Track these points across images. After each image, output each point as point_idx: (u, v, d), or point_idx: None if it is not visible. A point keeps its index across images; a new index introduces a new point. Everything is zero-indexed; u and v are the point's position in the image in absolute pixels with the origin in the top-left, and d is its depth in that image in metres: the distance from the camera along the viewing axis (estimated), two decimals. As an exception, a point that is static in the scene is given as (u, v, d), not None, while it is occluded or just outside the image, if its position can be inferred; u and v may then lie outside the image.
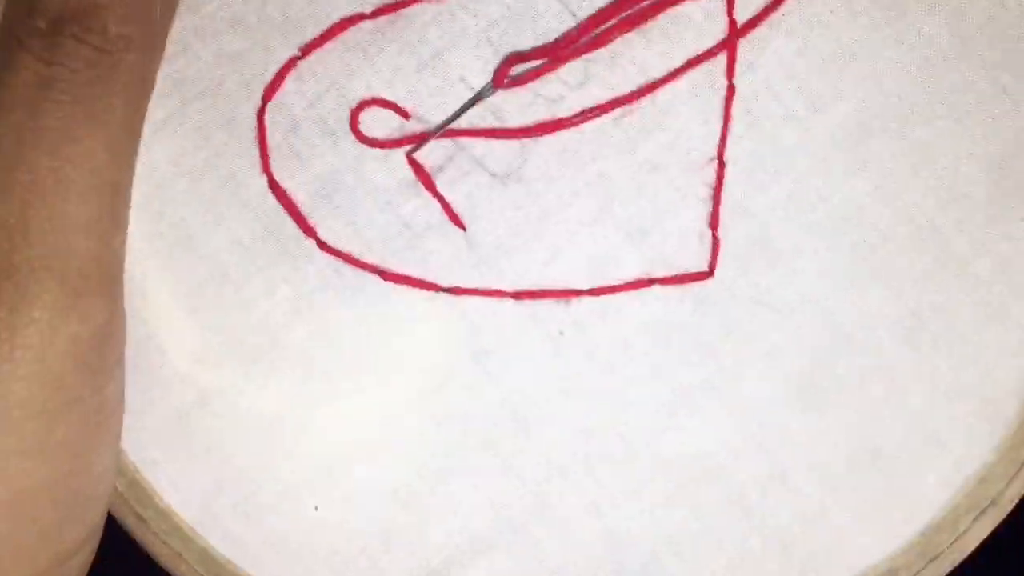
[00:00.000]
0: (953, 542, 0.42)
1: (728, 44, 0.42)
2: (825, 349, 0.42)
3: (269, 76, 0.43)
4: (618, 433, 0.43)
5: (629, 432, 0.43)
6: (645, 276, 0.43)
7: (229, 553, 0.44)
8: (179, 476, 0.44)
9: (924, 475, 0.42)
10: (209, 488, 0.43)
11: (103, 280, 0.40)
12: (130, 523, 0.44)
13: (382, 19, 0.43)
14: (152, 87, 0.42)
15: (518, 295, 0.43)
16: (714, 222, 0.42)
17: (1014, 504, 0.42)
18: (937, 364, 0.42)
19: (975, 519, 0.42)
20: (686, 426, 0.42)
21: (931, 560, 0.42)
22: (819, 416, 0.42)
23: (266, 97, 0.43)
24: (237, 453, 0.43)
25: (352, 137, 0.43)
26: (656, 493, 0.42)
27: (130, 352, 0.44)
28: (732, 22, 0.42)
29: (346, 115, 0.43)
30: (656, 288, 0.43)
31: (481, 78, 0.43)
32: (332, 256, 0.43)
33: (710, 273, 0.43)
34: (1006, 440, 0.42)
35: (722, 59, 0.43)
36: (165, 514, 0.44)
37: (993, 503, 0.42)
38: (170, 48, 0.43)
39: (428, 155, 0.43)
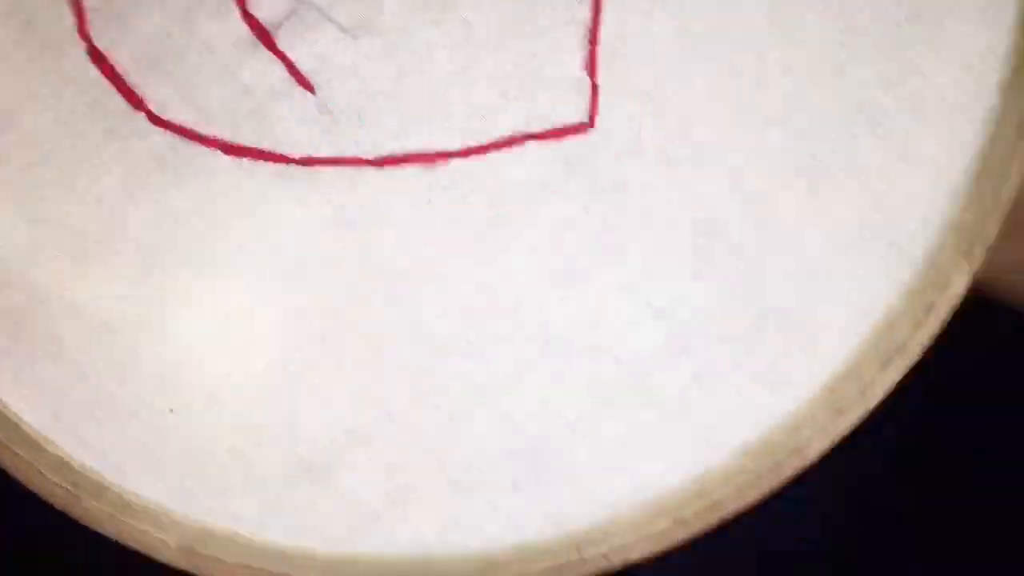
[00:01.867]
0: (859, 393, 0.38)
1: None
2: (720, 204, 0.38)
3: None
4: (500, 309, 0.38)
5: (512, 307, 0.38)
6: (519, 132, 0.37)
7: (86, 460, 0.39)
8: (21, 381, 0.38)
9: (827, 327, 0.38)
10: (55, 393, 0.38)
11: None
12: (-24, 436, 0.39)
13: None
14: None
15: (378, 162, 0.37)
16: (591, 67, 0.37)
17: (922, 349, 0.38)
18: (840, 210, 0.38)
19: (881, 368, 0.38)
20: (573, 295, 0.38)
21: (836, 414, 0.39)
22: (714, 276, 0.38)
23: (76, -51, 0.37)
24: (79, 355, 0.38)
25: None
26: (545, 371, 0.38)
27: (-49, 250, 0.38)
28: None
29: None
30: (531, 144, 0.37)
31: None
32: (166, 130, 0.37)
33: (590, 124, 0.37)
34: (913, 284, 0.38)
35: None
36: (12, 423, 0.39)
37: (900, 350, 0.38)
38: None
39: (265, 8, 0.37)
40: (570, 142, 0.38)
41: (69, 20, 0.37)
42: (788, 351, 0.38)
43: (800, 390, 0.39)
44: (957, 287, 0.38)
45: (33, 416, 0.39)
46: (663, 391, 0.38)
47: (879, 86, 0.38)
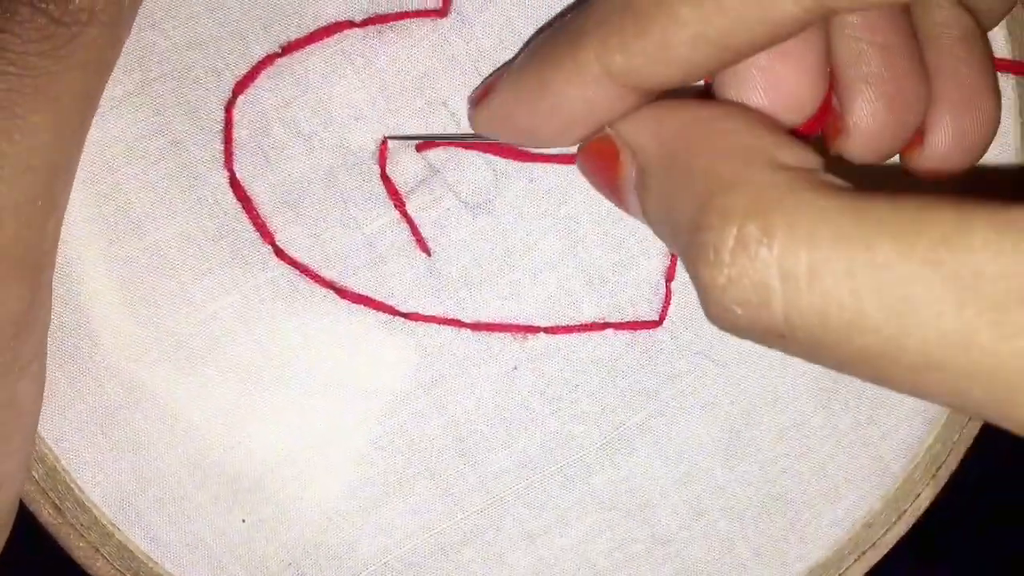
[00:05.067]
0: (836, 577, 0.44)
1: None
2: (753, 403, 0.42)
3: (243, 69, 0.38)
4: (556, 466, 0.41)
5: (566, 466, 0.41)
6: (600, 319, 0.41)
7: (149, 550, 0.40)
8: (101, 470, 0.39)
9: (819, 519, 0.43)
10: (132, 485, 0.39)
11: (24, 264, 0.35)
12: (46, 514, 0.39)
13: (371, 28, 0.39)
14: (112, 67, 0.37)
15: (476, 327, 0.40)
16: (670, 275, 0.41)
17: (890, 548, 0.44)
18: (843, 424, 0.43)
19: (856, 559, 0.44)
20: (620, 463, 0.42)
21: (815, 593, 0.44)
22: (741, 462, 0.42)
23: (237, 90, 0.38)
24: (164, 455, 0.39)
25: (324, 144, 0.39)
26: (585, 524, 0.42)
27: (61, 339, 0.38)
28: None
29: (321, 122, 0.39)
30: (609, 332, 0.41)
31: (464, 103, 0.40)
32: (288, 266, 0.39)
33: (659, 323, 0.41)
34: (890, 493, 0.44)
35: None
36: (84, 507, 0.40)
37: (873, 546, 0.44)
38: (137, 21, 0.37)
39: (402, 174, 0.40)
40: (642, 334, 0.42)
41: (217, 148, 0.39)
42: (786, 535, 0.43)
43: (790, 569, 0.44)
44: (924, 499, 0.44)
45: (105, 503, 0.40)
46: (679, 555, 0.43)
47: None
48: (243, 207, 0.38)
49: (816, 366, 0.40)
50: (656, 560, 0.42)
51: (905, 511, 0.43)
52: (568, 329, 0.40)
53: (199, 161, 0.38)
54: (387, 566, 0.40)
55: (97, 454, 0.39)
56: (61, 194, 0.36)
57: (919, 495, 0.43)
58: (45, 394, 0.38)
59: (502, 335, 0.40)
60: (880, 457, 0.43)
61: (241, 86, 0.38)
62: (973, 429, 0.43)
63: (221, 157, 0.38)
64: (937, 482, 0.43)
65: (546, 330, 0.40)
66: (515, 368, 0.40)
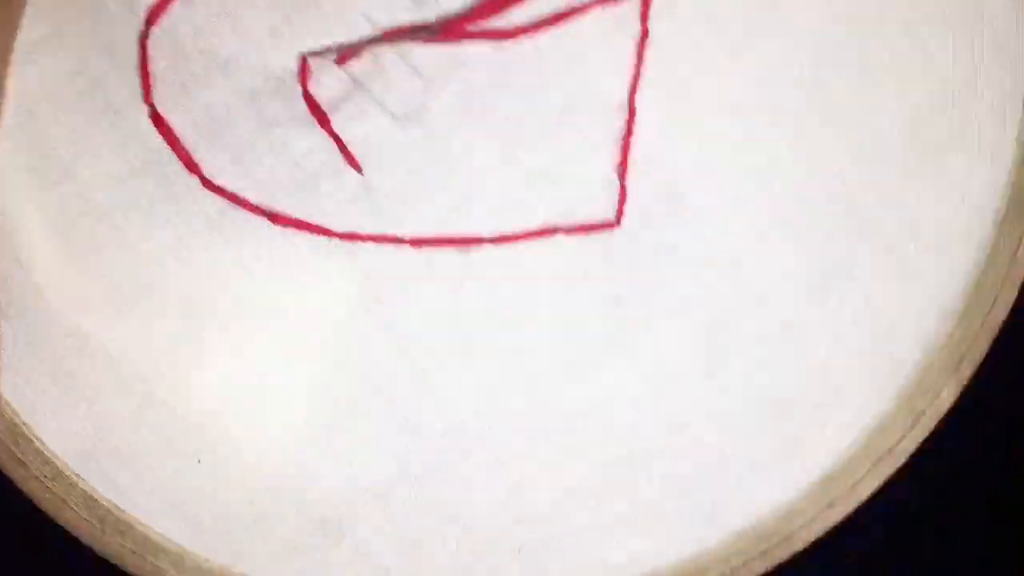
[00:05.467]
0: (849, 489, 0.39)
1: (644, -17, 0.37)
2: (732, 304, 0.38)
3: None
4: (520, 386, 0.38)
5: (531, 385, 0.38)
6: (550, 225, 0.38)
7: (114, 498, 0.39)
8: (59, 420, 0.38)
9: (823, 425, 0.39)
10: (89, 433, 0.38)
11: None
12: (10, 467, 0.39)
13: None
14: (21, 6, 0.36)
15: (416, 242, 0.38)
16: (622, 171, 0.38)
17: (909, 454, 0.39)
18: (842, 319, 0.38)
19: (871, 468, 0.39)
20: (589, 378, 0.38)
21: (827, 506, 0.39)
22: (723, 369, 0.38)
23: (150, 21, 0.37)
24: (115, 401, 0.38)
25: (242, 68, 0.37)
26: (558, 446, 0.38)
27: (7, 292, 0.38)
28: (649, -40, 0.37)
29: (237, 46, 0.37)
30: (560, 237, 0.38)
31: (384, 13, 0.37)
32: (218, 196, 0.37)
33: (616, 223, 0.38)
34: (905, 391, 0.39)
35: (637, 1, 0.37)
36: (46, 458, 0.39)
37: (890, 452, 0.39)
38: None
39: (324, 90, 0.37)
40: (596, 237, 0.38)
41: (136, 85, 0.37)
42: (786, 445, 0.39)
43: (795, 482, 0.39)
44: (945, 399, 0.39)
45: (67, 453, 0.39)
46: (666, 471, 0.39)
47: (883, 209, 0.38)
48: (166, 140, 0.37)
49: (801, 257, 0.36)
50: (638, 479, 0.38)
51: (924, 412, 0.38)
52: (514, 237, 0.37)
53: (119, 98, 0.37)
54: (351, 498, 0.38)
55: (52, 406, 0.38)
56: None
57: (940, 393, 0.38)
58: None
59: (445, 249, 0.37)
60: (889, 353, 0.38)
61: (154, 16, 0.36)
62: (997, 316, 0.38)
63: (140, 92, 0.37)
64: (960, 378, 0.38)
65: (490, 240, 0.37)
66: (462, 283, 0.37)
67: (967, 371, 0.38)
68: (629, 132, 0.37)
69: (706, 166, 0.37)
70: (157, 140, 0.37)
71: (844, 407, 0.38)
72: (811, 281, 0.38)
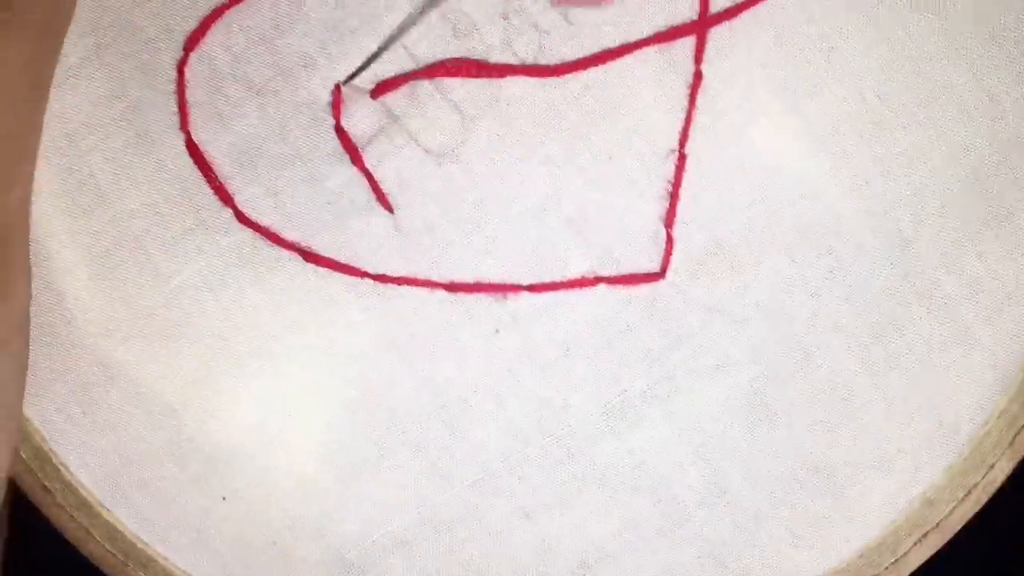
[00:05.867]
0: (892, 563, 0.37)
1: (699, 26, 0.35)
2: (779, 363, 0.36)
3: (193, 24, 0.36)
4: (552, 438, 0.37)
5: (563, 437, 0.37)
6: (591, 274, 0.36)
7: (138, 531, 0.38)
8: (86, 449, 0.38)
9: (869, 494, 0.37)
10: (116, 465, 0.37)
11: None
12: (36, 495, 0.38)
13: (317, -28, 0.35)
14: (65, 30, 0.35)
15: (451, 287, 0.36)
16: (669, 220, 0.36)
17: (957, 530, 0.37)
18: (893, 384, 0.36)
19: (916, 542, 0.37)
20: (624, 434, 0.36)
21: (868, 580, 0.37)
22: (766, 430, 0.36)
23: (188, 47, 0.36)
24: (142, 433, 0.37)
25: (277, 98, 0.36)
26: (589, 501, 0.37)
27: (38, 318, 0.37)
28: (704, 2, 0.35)
29: (272, 75, 0.36)
30: (603, 287, 0.36)
31: (424, 45, 0.35)
32: (251, 229, 0.36)
33: (661, 275, 0.36)
34: (956, 465, 0.37)
35: (690, 42, 0.35)
36: (72, 487, 0.38)
37: (937, 527, 0.37)
38: (87, -15, 0.35)
39: (357, 123, 0.36)
40: (640, 289, 0.36)
41: (172, 111, 0.36)
42: (828, 513, 0.37)
43: (836, 552, 0.37)
44: (999, 473, 0.37)
45: (93, 483, 0.38)
46: (701, 535, 0.37)
47: (943, 268, 0.36)
48: (200, 169, 0.35)
49: (855, 317, 0.34)
50: (673, 542, 0.37)
51: (975, 486, 0.36)
52: (554, 286, 0.36)
53: (156, 125, 0.36)
54: (375, 543, 0.37)
55: (80, 434, 0.37)
56: (19, 167, 0.34)
57: (992, 466, 0.36)
58: (29, 374, 0.37)
59: (480, 295, 0.36)
60: (941, 422, 0.36)
61: (192, 42, 0.35)
62: (1061, 387, 0.36)
63: (177, 119, 0.36)
64: (1015, 451, 0.36)
65: (529, 288, 0.36)
66: (497, 331, 0.36)
67: (1023, 445, 0.36)
68: (678, 180, 0.35)
69: (757, 218, 0.35)
70: (192, 169, 0.36)
71: (891, 477, 0.36)
72: (863, 342, 0.36)
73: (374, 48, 0.35)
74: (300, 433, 0.37)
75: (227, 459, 0.37)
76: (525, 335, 0.36)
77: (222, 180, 0.36)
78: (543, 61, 0.35)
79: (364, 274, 0.36)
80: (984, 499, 0.36)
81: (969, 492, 0.36)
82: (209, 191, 0.36)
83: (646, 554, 0.37)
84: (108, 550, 0.38)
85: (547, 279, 0.36)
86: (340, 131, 0.35)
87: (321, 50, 0.35)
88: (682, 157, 0.35)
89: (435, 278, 0.36)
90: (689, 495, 0.36)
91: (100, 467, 0.38)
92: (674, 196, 0.35)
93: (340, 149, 0.36)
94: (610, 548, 0.37)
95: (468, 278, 0.36)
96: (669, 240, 0.35)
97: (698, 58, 0.35)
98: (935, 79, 0.35)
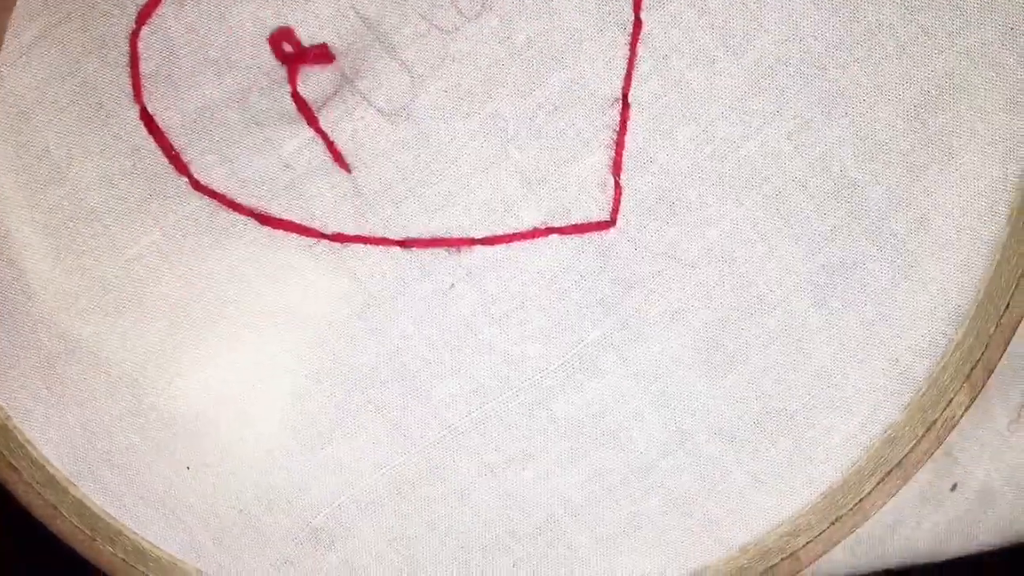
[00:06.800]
0: (856, 504, 0.37)
1: (636, -26, 0.35)
2: (732, 306, 0.36)
3: None
4: (512, 391, 0.36)
5: (523, 391, 0.36)
6: (543, 225, 0.36)
7: (105, 505, 0.38)
8: (50, 426, 0.37)
9: (829, 436, 0.36)
10: (80, 440, 0.37)
11: None
12: (3, 474, 0.38)
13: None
14: (9, 9, 0.35)
15: (405, 243, 0.36)
16: (616, 169, 0.36)
17: (920, 467, 0.36)
18: (847, 323, 0.36)
19: (880, 481, 0.36)
20: (584, 385, 0.36)
21: (833, 522, 0.37)
22: (724, 376, 0.36)
23: (140, 20, 0.36)
24: (105, 405, 0.37)
25: (232, 66, 0.36)
26: (552, 454, 0.37)
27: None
28: (641, -50, 0.35)
29: (227, 44, 0.36)
30: (554, 238, 0.36)
31: (373, 7, 0.36)
32: (206, 196, 0.36)
33: (611, 223, 0.36)
34: (914, 402, 0.36)
35: (629, -10, 0.35)
36: (38, 464, 0.38)
37: (899, 465, 0.36)
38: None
39: (312, 87, 0.36)
40: (591, 238, 0.36)
41: (126, 84, 0.36)
42: (789, 456, 0.37)
43: (799, 496, 0.37)
44: (957, 407, 0.37)
45: (59, 459, 0.38)
46: (665, 484, 0.37)
47: (890, 204, 0.36)
48: (155, 140, 0.36)
49: (805, 258, 0.34)
50: (638, 492, 0.36)
51: (935, 422, 0.36)
52: (507, 238, 0.36)
53: (110, 98, 0.36)
54: (341, 508, 0.36)
55: (44, 409, 0.37)
56: None
57: (950, 401, 0.36)
58: None
59: (434, 251, 0.36)
60: (897, 359, 0.36)
61: (144, 14, 0.35)
62: (1014, 318, 0.36)
63: (130, 91, 0.36)
64: (973, 385, 0.36)
65: (482, 241, 0.36)
66: (452, 286, 0.35)
67: (980, 378, 0.36)
68: (623, 128, 0.35)
69: (703, 162, 0.35)
70: (147, 140, 0.36)
71: (851, 417, 0.36)
72: (815, 281, 0.36)
73: (329, 13, 0.35)
74: (263, 400, 0.37)
75: (191, 429, 0.37)
76: (480, 288, 0.36)
77: (177, 149, 0.36)
78: (485, 16, 0.35)
79: (319, 234, 0.36)
80: (944, 435, 0.36)
81: (929, 428, 0.36)
82: (164, 161, 0.36)
83: (610, 505, 0.36)
84: (76, 526, 0.37)
85: (500, 232, 0.36)
86: (296, 95, 0.35)
87: (276, 17, 0.35)
88: (626, 105, 0.35)
89: (390, 236, 0.36)
90: (651, 445, 0.36)
91: (65, 442, 0.37)
92: (620, 144, 0.35)
93: (296, 114, 0.36)
94: (576, 501, 0.36)
95: (422, 234, 0.36)
96: (617, 188, 0.36)
97: (637, 5, 0.35)
98: (870, 18, 0.35)
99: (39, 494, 0.37)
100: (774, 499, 0.36)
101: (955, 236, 0.35)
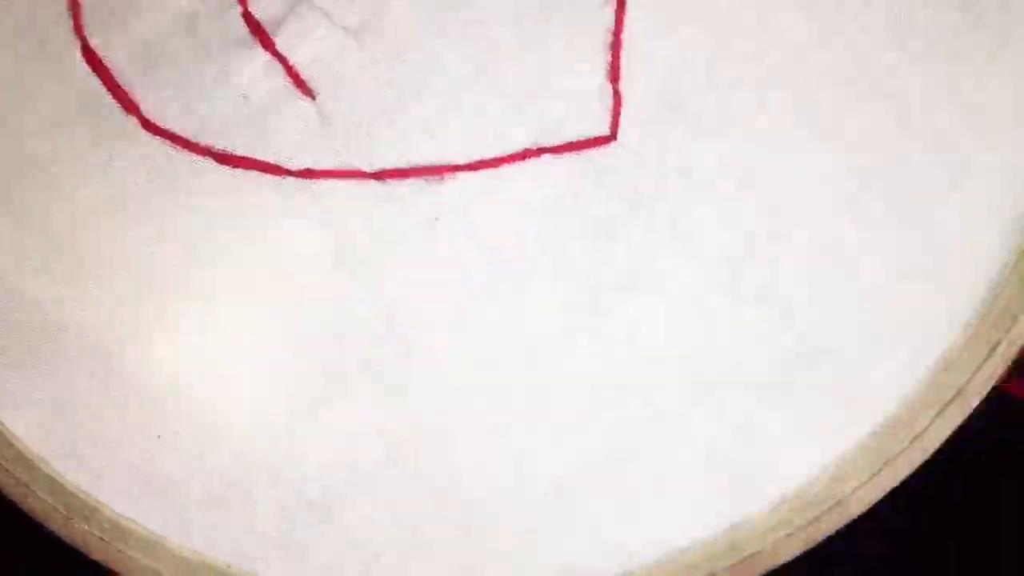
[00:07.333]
0: (910, 443, 0.32)
1: None
2: (757, 226, 0.31)
3: None
4: (514, 342, 0.32)
5: (526, 340, 0.32)
6: (534, 145, 0.32)
7: (79, 481, 0.34)
8: (17, 399, 0.34)
9: (875, 367, 0.32)
10: (49, 412, 0.34)
11: None
12: (-31, 452, 0.34)
13: None
14: None
15: (381, 175, 0.32)
16: (614, 74, 0.31)
17: (982, 397, 0.31)
18: (889, 235, 0.31)
19: (938, 413, 0.32)
20: (593, 328, 0.32)
21: (886, 463, 0.32)
22: (752, 308, 0.31)
23: (76, -55, 0.32)
24: (69, 373, 0.33)
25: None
26: (563, 411, 0.32)
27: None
28: None
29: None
30: (548, 159, 0.32)
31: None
32: (159, 138, 0.32)
33: (612, 137, 0.31)
34: (974, 322, 0.31)
35: None
36: (7, 440, 0.34)
37: (959, 394, 0.31)
38: None
39: (265, 6, 0.32)
40: (589, 156, 0.32)
41: (65, 16, 0.32)
42: (832, 393, 0.32)
43: (843, 439, 0.32)
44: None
45: (29, 435, 0.35)
46: (693, 437, 0.32)
47: (931, 96, 0.31)
48: (99, 76, 0.32)
49: (839, 163, 0.29)
50: (662, 446, 0.32)
51: (999, 343, 0.31)
52: (494, 163, 0.31)
53: (52, 35, 0.32)
54: (337, 479, 0.33)
55: (9, 383, 0.34)
56: None
57: (1016, 318, 0.31)
58: None
59: (414, 181, 0.31)
60: (951, 274, 0.31)
61: (80, -61, 0.31)
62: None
63: (70, 23, 0.32)
64: (1040, 300, 0.31)
65: (466, 167, 0.31)
66: (436, 219, 0.31)
67: (1049, 291, 0.31)
68: (619, 28, 0.31)
69: (713, 61, 0.30)
70: (91, 78, 0.32)
71: (901, 343, 0.31)
72: (849, 190, 0.30)
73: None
74: (240, 364, 0.33)
75: (164, 396, 0.33)
76: (468, 220, 0.31)
77: (124, 87, 0.32)
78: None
79: (286, 171, 0.32)
80: (1010, 357, 0.30)
81: (993, 350, 0.31)
82: (111, 100, 0.32)
83: (629, 465, 0.32)
84: (50, 504, 0.34)
85: (485, 155, 0.31)
86: (248, 16, 0.31)
87: None
88: (620, 2, 0.30)
89: (363, 167, 0.31)
90: (672, 392, 0.32)
91: (34, 416, 0.34)
92: (616, 46, 0.31)
93: (249, 37, 0.31)
94: (589, 461, 0.32)
95: (399, 164, 0.31)
96: (616, 96, 0.31)
97: None
98: None
99: (9, 472, 0.34)
100: (815, 445, 0.31)
101: (1010, 132, 0.30)
